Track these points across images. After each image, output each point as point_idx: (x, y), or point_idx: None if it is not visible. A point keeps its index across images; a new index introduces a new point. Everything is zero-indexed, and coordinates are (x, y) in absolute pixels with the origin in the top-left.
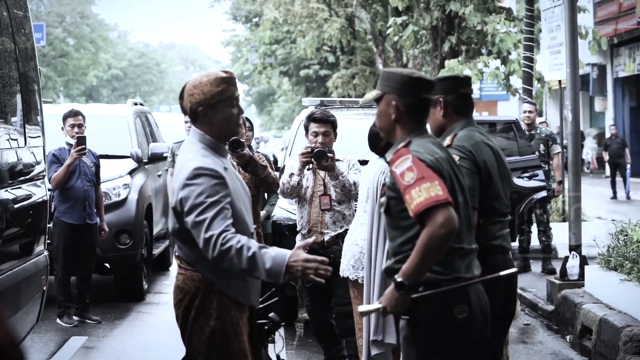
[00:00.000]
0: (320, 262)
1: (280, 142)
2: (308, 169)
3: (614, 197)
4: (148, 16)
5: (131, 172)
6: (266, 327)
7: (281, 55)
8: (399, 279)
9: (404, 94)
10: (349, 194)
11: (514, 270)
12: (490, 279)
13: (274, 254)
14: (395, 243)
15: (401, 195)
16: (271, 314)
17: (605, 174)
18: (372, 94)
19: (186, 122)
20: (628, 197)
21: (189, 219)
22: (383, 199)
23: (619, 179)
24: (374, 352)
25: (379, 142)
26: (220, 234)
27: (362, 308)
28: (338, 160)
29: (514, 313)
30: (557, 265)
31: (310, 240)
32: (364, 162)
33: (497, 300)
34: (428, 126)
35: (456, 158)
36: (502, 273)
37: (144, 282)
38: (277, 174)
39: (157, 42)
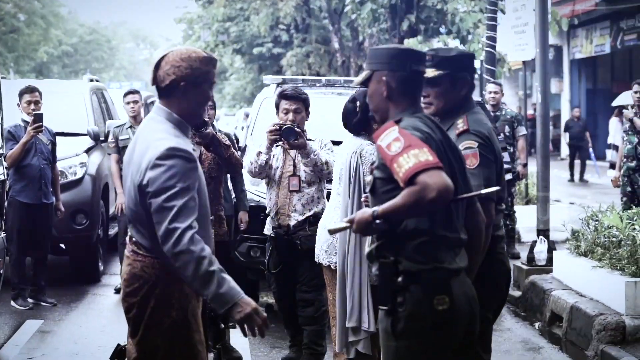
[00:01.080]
0: (264, 322)
1: (233, 120)
2: (276, 146)
3: (572, 179)
4: None
5: (88, 151)
6: (208, 317)
7: (234, 32)
8: (377, 220)
9: (394, 67)
10: (320, 173)
11: (496, 188)
12: (470, 196)
13: (233, 284)
14: None
15: (389, 174)
16: None
17: (561, 156)
18: (360, 76)
19: (128, 102)
20: (582, 180)
21: (155, 201)
22: (369, 178)
23: (577, 162)
24: (351, 338)
25: (352, 118)
26: (186, 229)
27: (331, 226)
28: (310, 139)
29: (504, 304)
30: (520, 250)
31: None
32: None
33: (503, 292)
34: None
35: (475, 145)
36: (483, 191)
37: (99, 264)
38: (239, 153)
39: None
